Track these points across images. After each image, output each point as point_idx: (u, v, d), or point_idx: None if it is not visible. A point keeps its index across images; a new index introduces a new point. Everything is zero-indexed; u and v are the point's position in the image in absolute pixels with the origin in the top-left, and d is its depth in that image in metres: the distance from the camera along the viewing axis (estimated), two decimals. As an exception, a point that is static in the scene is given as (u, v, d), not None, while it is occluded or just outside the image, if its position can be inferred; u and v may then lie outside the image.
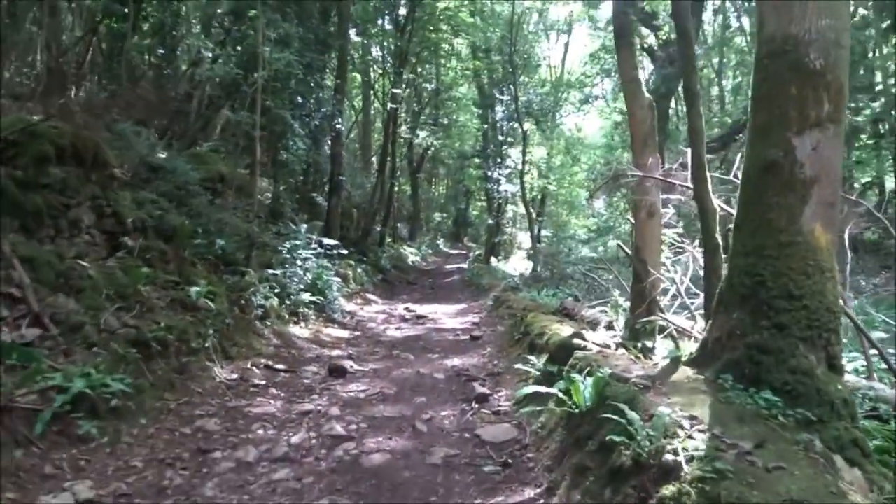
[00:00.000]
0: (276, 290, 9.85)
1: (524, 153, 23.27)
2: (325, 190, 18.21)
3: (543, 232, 30.17)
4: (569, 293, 13.45)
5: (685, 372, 4.29)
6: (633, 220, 8.26)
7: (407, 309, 13.89)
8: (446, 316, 12.91)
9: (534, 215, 24.24)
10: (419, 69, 27.36)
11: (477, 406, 5.93)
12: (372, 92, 28.88)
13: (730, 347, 4.01)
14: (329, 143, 17.22)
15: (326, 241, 13.40)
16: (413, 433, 5.17)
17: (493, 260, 26.70)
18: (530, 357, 6.48)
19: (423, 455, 4.65)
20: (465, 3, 22.70)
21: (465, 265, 25.75)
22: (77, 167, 6.87)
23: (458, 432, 5.20)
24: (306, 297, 10.35)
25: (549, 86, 31.86)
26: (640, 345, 6.57)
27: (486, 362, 7.93)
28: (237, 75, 10.17)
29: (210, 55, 12.54)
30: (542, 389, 4.33)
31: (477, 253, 31.12)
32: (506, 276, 21.01)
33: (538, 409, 4.38)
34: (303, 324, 9.84)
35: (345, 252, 13.52)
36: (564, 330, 7.15)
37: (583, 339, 5.85)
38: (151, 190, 8.97)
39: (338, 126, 16.15)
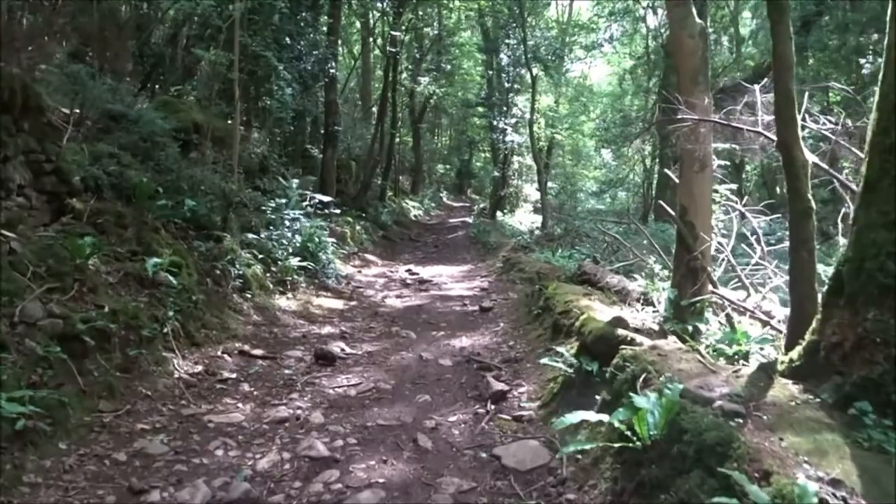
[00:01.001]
0: (260, 257, 8.71)
1: (533, 100, 21.78)
2: (320, 142, 16.90)
3: (550, 184, 28.85)
4: (585, 253, 12.27)
5: (787, 389, 3.13)
6: (673, 175, 7.00)
7: (409, 271, 12.77)
8: (451, 280, 11.77)
9: (542, 167, 22.81)
10: (419, 11, 25.67)
11: (493, 408, 4.81)
12: (371, 39, 27.09)
13: (861, 360, 2.83)
14: (323, 90, 15.84)
15: (320, 197, 12.24)
16: (415, 451, 4.06)
17: (498, 214, 25.48)
18: (557, 346, 5.34)
19: (427, 490, 3.53)
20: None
21: (469, 219, 24.56)
22: (2, 114, 5.62)
23: (472, 450, 4.09)
24: (295, 262, 9.19)
25: (555, 29, 29.99)
26: (689, 328, 5.42)
27: (500, 342, 6.80)
28: (210, 7, 8.74)
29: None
30: (592, 417, 3.17)
31: (481, 206, 29.92)
32: (514, 233, 19.82)
33: (586, 445, 3.22)
34: (291, 294, 8.70)
35: (338, 211, 12.25)
36: (595, 307, 5.99)
37: (626, 326, 4.69)
38: (111, 142, 7.75)
39: (331, 71, 14.73)
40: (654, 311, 6.43)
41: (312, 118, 17.51)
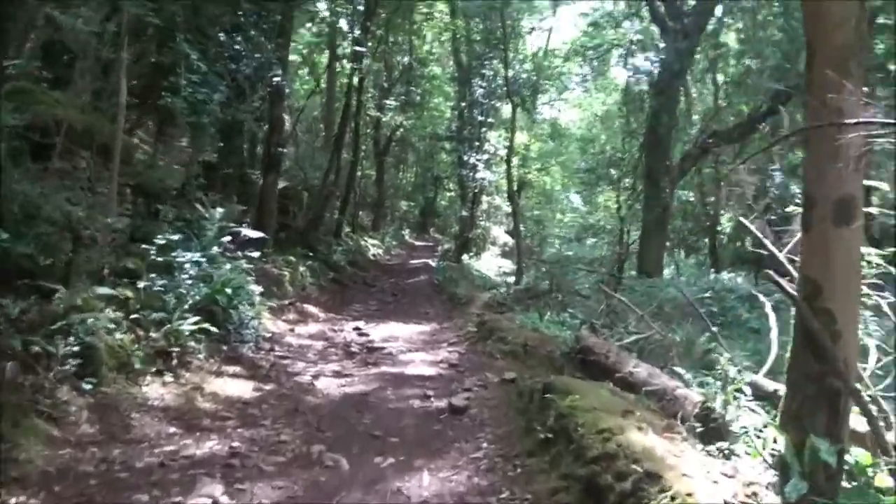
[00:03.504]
0: (133, 317, 5.97)
1: (512, 134, 19.47)
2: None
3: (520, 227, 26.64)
4: (580, 318, 9.76)
5: None
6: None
7: (357, 330, 10.07)
8: (410, 346, 9.08)
9: (517, 208, 20.43)
10: (390, 38, 23.50)
11: None
12: (337, 62, 24.63)
13: None
14: (267, 103, 13.23)
15: (246, 231, 9.57)
16: None
17: (464, 257, 22.99)
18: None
19: None
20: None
21: (431, 261, 21.99)
22: None
23: None
24: (189, 323, 6.44)
25: (531, 62, 28.03)
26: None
27: (485, 489, 4.12)
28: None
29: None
30: None
31: (446, 247, 27.54)
32: (485, 282, 17.30)
33: None
34: (175, 374, 5.92)
35: (256, 254, 9.45)
36: (656, 449, 3.42)
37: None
38: None
39: (277, 81, 12.15)
40: (747, 452, 3.89)
41: (263, 136, 14.78)
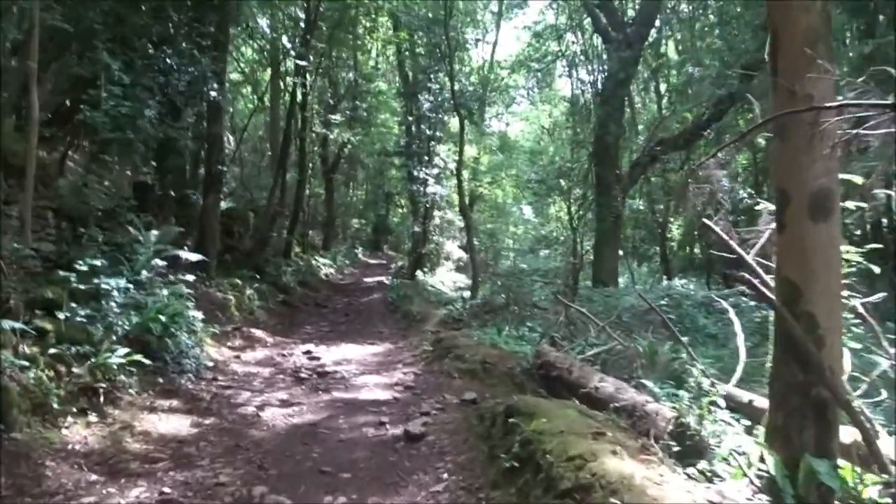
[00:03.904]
0: (53, 352, 5.40)
1: (461, 148, 19.22)
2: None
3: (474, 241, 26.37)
4: (539, 331, 9.47)
5: None
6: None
7: (308, 353, 9.56)
8: (364, 368, 8.62)
9: (470, 222, 20.13)
10: (334, 53, 23.04)
11: None
12: (281, 81, 24.04)
13: None
14: (204, 121, 12.65)
15: (184, 254, 9.05)
16: None
17: (418, 273, 22.57)
18: None
19: None
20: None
21: (385, 279, 21.51)
22: None
23: None
24: (118, 356, 5.88)
25: (477, 76, 27.97)
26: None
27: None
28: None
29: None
30: None
31: (400, 264, 27.08)
32: (440, 297, 16.93)
33: None
34: (99, 414, 5.35)
35: (194, 276, 8.95)
36: (629, 473, 3.09)
37: None
38: None
39: (213, 95, 11.60)
40: (734, 470, 3.59)
41: (206, 155, 14.11)
